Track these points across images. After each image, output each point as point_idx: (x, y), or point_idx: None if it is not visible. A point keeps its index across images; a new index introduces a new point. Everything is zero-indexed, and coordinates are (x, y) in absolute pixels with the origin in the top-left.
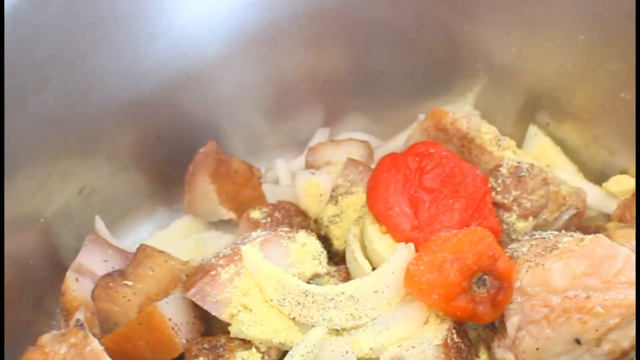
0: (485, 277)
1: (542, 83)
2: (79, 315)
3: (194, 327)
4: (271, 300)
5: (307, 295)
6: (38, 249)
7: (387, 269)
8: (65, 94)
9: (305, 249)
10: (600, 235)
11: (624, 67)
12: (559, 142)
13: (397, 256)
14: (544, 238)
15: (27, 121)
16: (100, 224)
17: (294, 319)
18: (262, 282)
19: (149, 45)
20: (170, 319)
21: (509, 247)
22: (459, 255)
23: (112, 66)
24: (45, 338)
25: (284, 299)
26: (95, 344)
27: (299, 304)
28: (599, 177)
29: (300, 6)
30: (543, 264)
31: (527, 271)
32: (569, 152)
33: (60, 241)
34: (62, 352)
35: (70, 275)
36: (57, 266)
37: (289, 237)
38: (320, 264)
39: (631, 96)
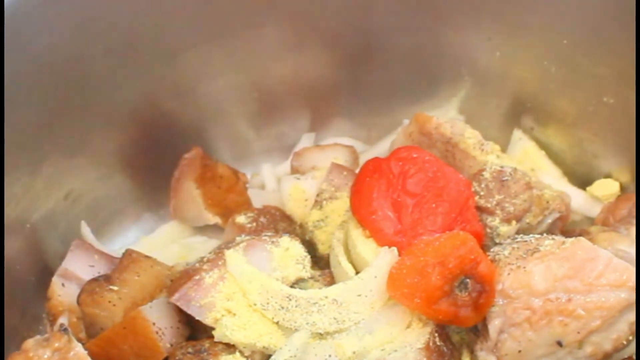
0: (467, 280)
1: (526, 87)
2: (63, 319)
3: (178, 332)
4: (255, 305)
5: (290, 300)
6: (24, 254)
7: (370, 273)
8: (52, 99)
9: (289, 253)
10: (582, 238)
11: (607, 72)
12: (543, 146)
13: (380, 260)
14: (526, 241)
15: (12, 125)
16: (86, 230)
17: (277, 323)
18: (245, 286)
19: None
20: (154, 324)
21: (491, 250)
22: (441, 259)
23: (99, 71)
24: (29, 343)
25: (268, 303)
26: (79, 348)
27: (283, 308)
28: (583, 181)
29: (284, 11)
30: (524, 267)
31: (508, 274)
32: (554, 156)
33: (46, 246)
34: (45, 356)
35: (56, 280)
36: (43, 271)
37: (273, 242)
38: (304, 268)
39: (614, 100)
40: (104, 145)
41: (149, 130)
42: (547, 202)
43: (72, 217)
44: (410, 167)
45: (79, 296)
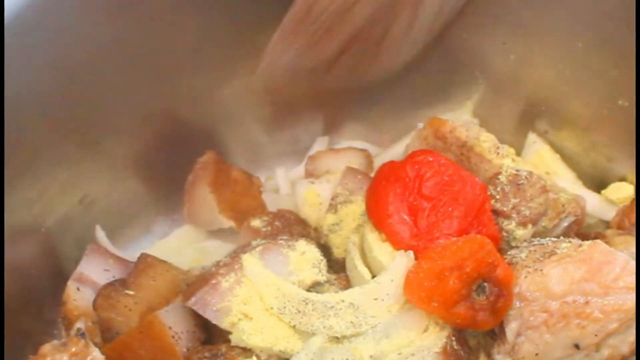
0: (485, 284)
1: (540, 91)
2: (80, 324)
3: (194, 336)
4: (271, 309)
5: (307, 303)
6: (39, 259)
7: (386, 276)
8: (66, 102)
9: (305, 257)
10: (599, 241)
11: (622, 74)
12: (557, 149)
13: (396, 264)
14: (543, 244)
15: (27, 130)
16: (100, 234)
17: (294, 327)
18: (262, 290)
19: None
20: (170, 328)
21: (508, 253)
22: (459, 263)
23: (114, 75)
24: (46, 348)
25: (284, 307)
26: (96, 353)
27: (299, 311)
28: (598, 184)
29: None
30: (542, 270)
31: (525, 277)
32: (568, 159)
33: (61, 251)
34: None
35: (71, 284)
36: (58, 276)
37: (289, 246)
38: (320, 272)
39: (629, 103)
40: (118, 150)
41: (163, 134)
42: (563, 205)
43: (86, 221)
44: (426, 170)
45: (94, 300)
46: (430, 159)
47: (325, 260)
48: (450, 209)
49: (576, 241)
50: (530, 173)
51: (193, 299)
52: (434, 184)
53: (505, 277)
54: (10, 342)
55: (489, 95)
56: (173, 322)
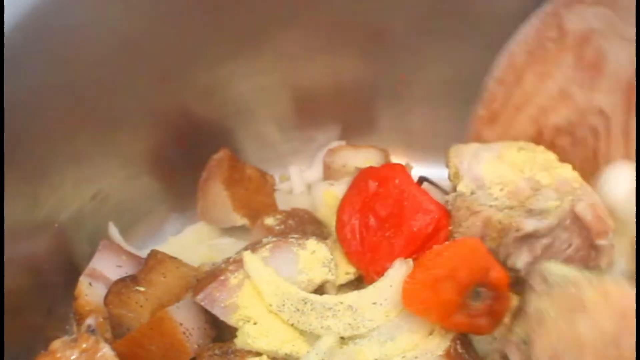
0: (480, 290)
1: None
2: (90, 320)
3: (205, 333)
4: (270, 306)
5: (305, 303)
6: (52, 254)
7: (385, 282)
8: (81, 100)
9: (315, 256)
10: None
11: None
12: None
13: (395, 270)
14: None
15: (42, 125)
16: (113, 230)
17: (292, 325)
18: (262, 287)
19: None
20: (181, 324)
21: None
22: (451, 272)
23: (128, 73)
24: (56, 344)
25: (283, 305)
26: (106, 350)
27: (298, 310)
28: None
29: (317, 11)
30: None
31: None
32: None
33: (73, 246)
34: (73, 357)
35: (83, 279)
36: (70, 271)
37: (299, 244)
38: (330, 271)
39: None
40: (132, 146)
41: (177, 131)
42: (500, 222)
43: (99, 217)
44: (384, 190)
45: (105, 297)
46: (396, 180)
47: (335, 260)
48: (390, 234)
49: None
50: (456, 196)
51: (201, 295)
52: (387, 205)
53: (499, 279)
54: (22, 338)
55: None
56: (184, 319)
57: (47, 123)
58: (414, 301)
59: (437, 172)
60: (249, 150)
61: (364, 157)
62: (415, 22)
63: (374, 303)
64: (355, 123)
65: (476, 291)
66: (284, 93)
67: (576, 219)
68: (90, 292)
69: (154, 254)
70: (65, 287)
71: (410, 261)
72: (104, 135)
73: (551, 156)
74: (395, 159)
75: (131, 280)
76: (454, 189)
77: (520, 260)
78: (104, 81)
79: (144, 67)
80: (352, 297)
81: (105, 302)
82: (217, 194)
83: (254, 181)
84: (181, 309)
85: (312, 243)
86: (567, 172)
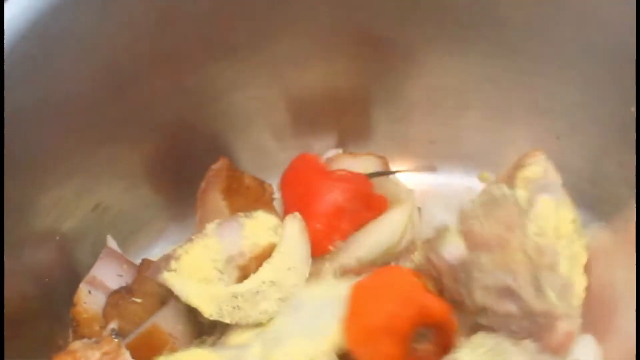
0: (423, 331)
1: None
2: (113, 324)
3: (192, 334)
4: (211, 316)
5: (236, 297)
6: (54, 265)
7: (288, 244)
8: (81, 111)
9: (260, 221)
10: None
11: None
12: None
13: (290, 229)
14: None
15: (43, 137)
16: (112, 243)
17: (236, 324)
18: (194, 302)
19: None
20: (170, 334)
21: None
22: (388, 324)
23: (125, 83)
24: (76, 344)
25: (221, 310)
26: (127, 355)
27: (235, 308)
28: None
29: (317, 20)
30: None
31: None
32: None
33: (75, 258)
34: (94, 359)
35: (83, 287)
36: (73, 282)
37: (247, 215)
38: (275, 233)
39: None
40: (131, 158)
41: (175, 142)
42: None
43: (100, 228)
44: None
45: (104, 309)
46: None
47: (281, 224)
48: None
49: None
50: None
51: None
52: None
53: (439, 312)
54: (25, 346)
55: None
56: (172, 327)
57: (51, 135)
58: (361, 347)
59: (434, 179)
60: (247, 159)
61: (362, 165)
62: (412, 29)
63: (289, 268)
64: (352, 130)
65: (419, 333)
66: (281, 102)
67: None
68: (89, 299)
69: (146, 263)
70: (69, 299)
71: (297, 215)
72: (104, 145)
73: None
74: (393, 166)
75: (126, 292)
76: None
77: None
78: (104, 93)
79: (143, 78)
80: (267, 271)
81: (104, 315)
82: (215, 203)
83: (253, 190)
84: (167, 316)
85: (259, 213)
86: None
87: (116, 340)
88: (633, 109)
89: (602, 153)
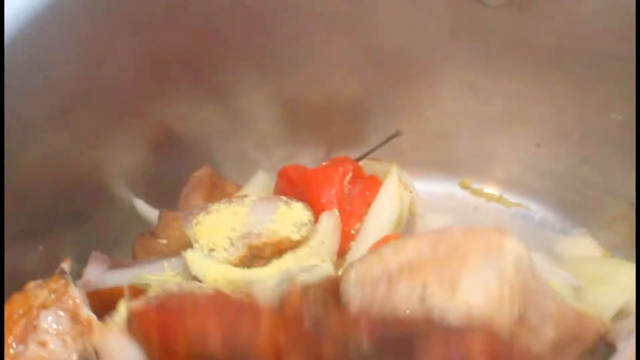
0: None
1: None
2: (65, 265)
3: None
4: None
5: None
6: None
7: (318, 240)
8: (65, 121)
9: (292, 213)
10: None
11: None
12: None
13: (324, 225)
14: None
15: (41, 137)
16: (140, 204)
17: None
18: (211, 283)
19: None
20: None
21: None
22: None
23: (112, 91)
24: (30, 284)
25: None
26: (74, 293)
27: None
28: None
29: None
30: None
31: None
32: None
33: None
34: (42, 296)
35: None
36: None
37: (286, 202)
38: (298, 231)
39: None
40: (115, 164)
41: (158, 149)
42: None
43: (84, 237)
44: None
45: (132, 248)
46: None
47: (308, 227)
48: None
49: None
50: None
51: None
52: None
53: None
54: None
55: None
56: None
57: (35, 142)
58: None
59: (427, 187)
60: (229, 166)
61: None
62: (407, 40)
63: (312, 265)
64: (339, 141)
65: None
66: (266, 111)
67: None
68: None
69: (164, 213)
70: None
71: (335, 211)
72: (87, 154)
73: None
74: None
75: (151, 234)
76: None
77: None
78: (88, 102)
79: (127, 87)
80: (289, 261)
81: (132, 254)
82: None
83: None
84: None
85: (297, 205)
86: None
87: (63, 279)
88: (614, 115)
89: (583, 160)
